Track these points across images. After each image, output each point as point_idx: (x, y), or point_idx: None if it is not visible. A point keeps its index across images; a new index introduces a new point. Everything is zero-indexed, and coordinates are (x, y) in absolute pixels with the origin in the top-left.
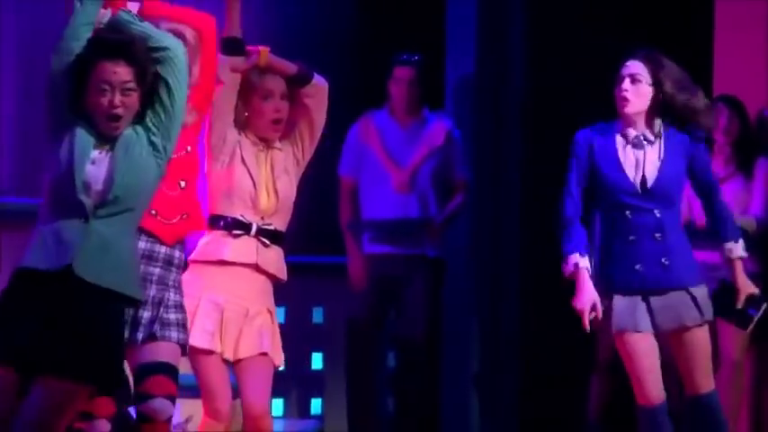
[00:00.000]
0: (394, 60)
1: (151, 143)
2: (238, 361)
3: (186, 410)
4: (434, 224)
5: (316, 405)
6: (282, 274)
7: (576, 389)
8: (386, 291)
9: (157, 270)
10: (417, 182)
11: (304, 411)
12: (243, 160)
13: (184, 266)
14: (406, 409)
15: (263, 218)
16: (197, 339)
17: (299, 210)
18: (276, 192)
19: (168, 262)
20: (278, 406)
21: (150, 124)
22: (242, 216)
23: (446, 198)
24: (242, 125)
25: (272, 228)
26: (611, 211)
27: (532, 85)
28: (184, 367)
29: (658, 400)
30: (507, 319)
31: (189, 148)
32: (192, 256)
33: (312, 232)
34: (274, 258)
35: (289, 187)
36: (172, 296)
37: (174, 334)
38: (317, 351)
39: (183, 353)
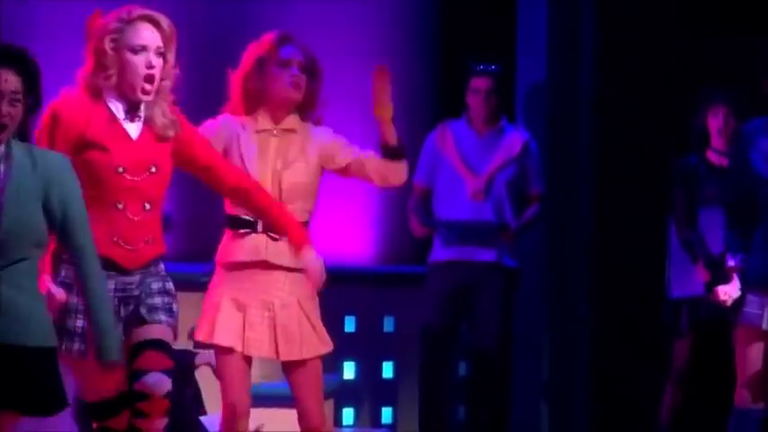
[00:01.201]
0: (471, 71)
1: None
2: (287, 364)
3: (257, 419)
4: (510, 230)
5: (387, 414)
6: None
7: (648, 397)
8: (459, 299)
9: (130, 293)
10: (492, 190)
11: (375, 421)
12: (240, 156)
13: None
14: (478, 419)
15: None
16: (219, 337)
17: (371, 219)
18: (280, 182)
19: (140, 281)
20: (349, 415)
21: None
22: (245, 214)
23: (520, 209)
24: (254, 105)
25: None
26: None
27: (603, 92)
28: (258, 377)
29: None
30: (578, 328)
31: (154, 169)
32: (216, 258)
33: (383, 241)
34: (287, 250)
35: (301, 174)
36: (154, 284)
37: (162, 317)
38: (389, 360)
39: (174, 336)
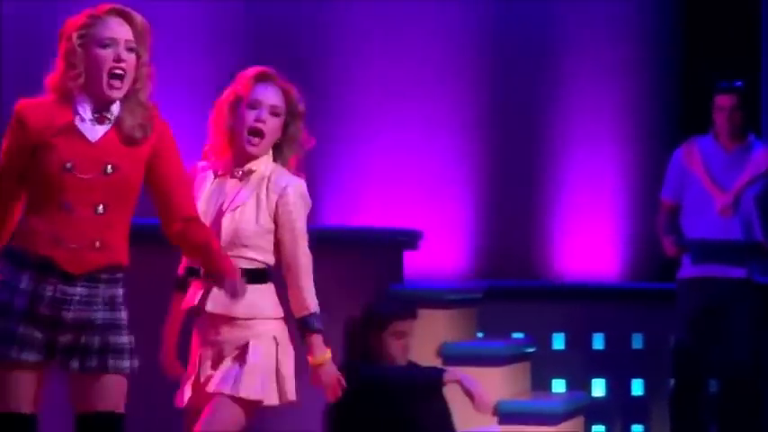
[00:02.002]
0: (716, 88)
1: None
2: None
3: None
4: (765, 247)
5: None
6: (252, 312)
7: None
8: (710, 316)
9: (71, 314)
10: (741, 206)
11: None
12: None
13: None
14: None
15: None
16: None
17: (618, 236)
18: (220, 227)
19: (88, 300)
20: None
21: None
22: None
23: None
24: (224, 147)
25: None
26: None
27: None
28: None
29: None
30: None
31: (110, 168)
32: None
33: (630, 258)
34: (226, 299)
35: (247, 218)
36: (100, 313)
37: (120, 363)
38: (638, 377)
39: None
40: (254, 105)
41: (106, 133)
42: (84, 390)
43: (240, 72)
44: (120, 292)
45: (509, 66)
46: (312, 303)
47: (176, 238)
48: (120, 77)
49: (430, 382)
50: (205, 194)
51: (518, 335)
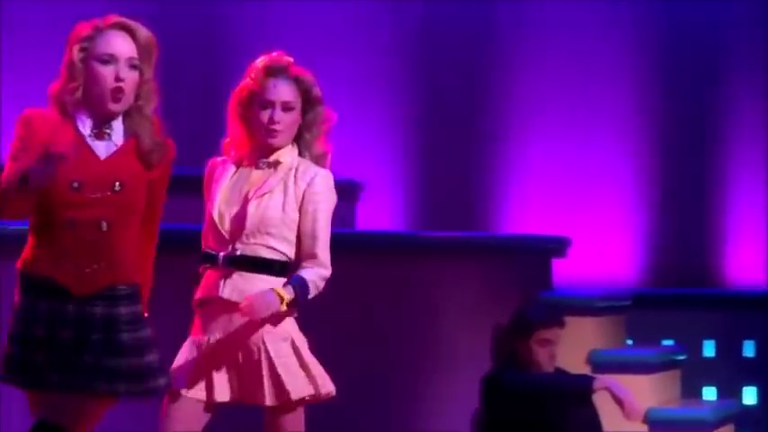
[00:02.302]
0: None
1: None
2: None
3: None
4: None
5: None
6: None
7: None
8: None
9: (93, 336)
10: None
11: None
12: (210, 191)
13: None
14: None
15: (233, 244)
16: (177, 382)
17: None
18: (246, 213)
19: (82, 319)
20: None
21: None
22: (209, 247)
23: None
24: (244, 140)
25: (239, 254)
26: None
27: None
28: None
29: None
30: None
31: (118, 186)
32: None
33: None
34: (244, 287)
35: (273, 205)
36: (126, 336)
37: (120, 387)
38: (750, 385)
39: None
40: (267, 105)
41: (114, 149)
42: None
43: (252, 63)
44: (139, 309)
45: (677, 69)
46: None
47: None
48: (120, 96)
49: (579, 389)
50: (227, 184)
51: (668, 342)
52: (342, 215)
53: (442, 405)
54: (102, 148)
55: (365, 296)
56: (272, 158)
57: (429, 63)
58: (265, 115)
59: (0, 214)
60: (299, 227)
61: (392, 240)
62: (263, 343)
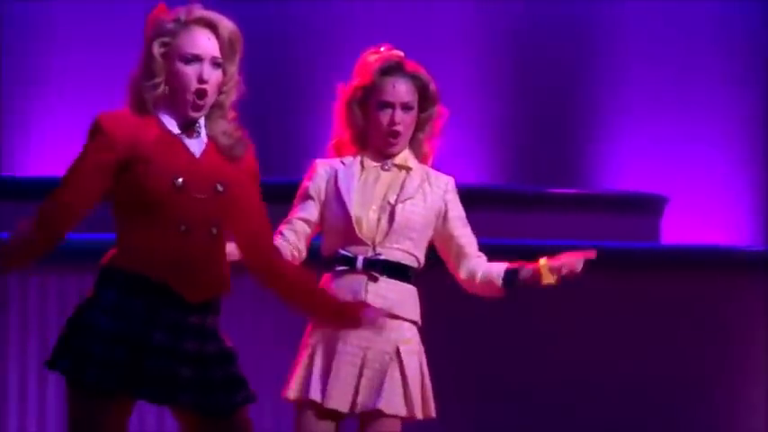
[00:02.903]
0: None
1: None
2: (361, 416)
3: None
4: None
5: None
6: (405, 312)
7: None
8: None
9: (189, 345)
10: None
11: None
12: (337, 190)
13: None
14: None
15: (374, 248)
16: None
17: None
18: (392, 215)
19: (201, 331)
20: None
21: None
22: (343, 250)
23: None
24: (361, 142)
25: (382, 258)
26: None
27: None
28: None
29: None
30: None
31: (221, 187)
32: None
33: None
34: (387, 293)
35: (418, 211)
36: (212, 344)
37: (235, 398)
38: None
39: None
40: (386, 106)
41: (206, 148)
42: (213, 428)
43: (362, 61)
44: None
45: None
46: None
47: (262, 271)
48: (203, 97)
49: None
50: (357, 186)
51: None
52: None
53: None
54: (195, 146)
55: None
56: (397, 161)
57: None
58: (385, 117)
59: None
60: (445, 231)
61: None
62: (398, 353)
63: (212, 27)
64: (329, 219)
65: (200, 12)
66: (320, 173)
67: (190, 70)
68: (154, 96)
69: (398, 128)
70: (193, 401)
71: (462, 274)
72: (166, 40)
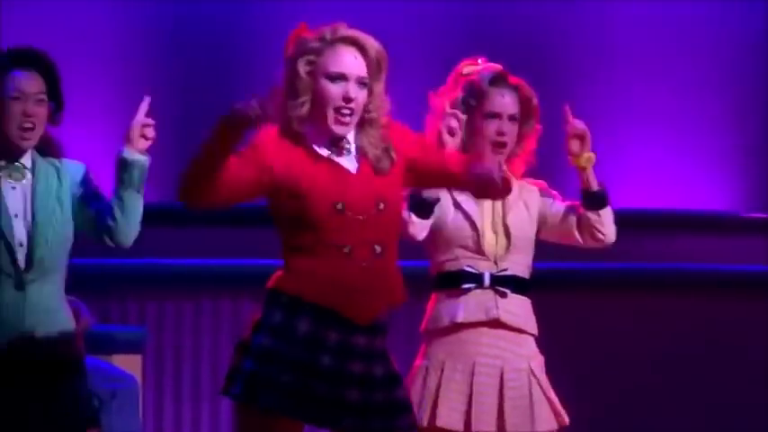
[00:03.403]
0: None
1: None
2: None
3: None
4: None
5: None
6: (530, 326)
7: None
8: None
9: (356, 368)
10: None
11: None
12: (456, 204)
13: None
14: None
15: (496, 263)
16: (443, 419)
17: None
18: (506, 228)
19: (368, 352)
20: None
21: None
22: (469, 266)
23: None
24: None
25: (509, 273)
26: None
27: None
28: None
29: None
30: None
31: (382, 205)
32: (424, 326)
33: None
34: (516, 310)
35: (523, 221)
36: (380, 366)
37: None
38: None
39: None
40: (494, 116)
41: (360, 165)
42: None
43: (460, 71)
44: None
45: None
46: None
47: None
48: (348, 116)
49: None
50: (463, 198)
51: None
52: None
53: None
54: (349, 164)
55: None
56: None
57: None
58: (492, 127)
59: (195, 187)
60: (556, 220)
61: None
62: (531, 370)
63: (358, 46)
64: (447, 233)
65: (346, 30)
66: None
67: (335, 88)
68: (300, 115)
69: (505, 138)
70: (356, 425)
71: (581, 238)
72: (312, 58)
